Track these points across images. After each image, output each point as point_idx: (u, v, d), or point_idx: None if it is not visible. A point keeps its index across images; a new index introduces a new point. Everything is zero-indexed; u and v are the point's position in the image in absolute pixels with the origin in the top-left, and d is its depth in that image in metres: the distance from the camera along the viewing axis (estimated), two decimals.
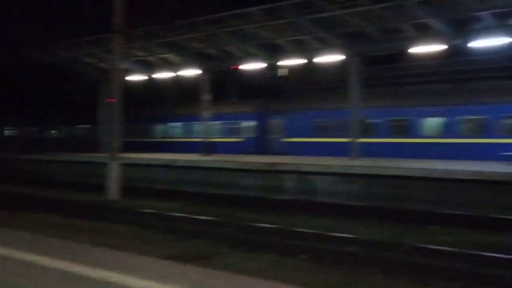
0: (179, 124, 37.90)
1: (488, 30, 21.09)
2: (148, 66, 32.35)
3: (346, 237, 11.07)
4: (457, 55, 27.37)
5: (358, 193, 18.14)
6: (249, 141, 33.21)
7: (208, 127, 30.08)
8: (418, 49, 23.36)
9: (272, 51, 26.99)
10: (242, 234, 11.68)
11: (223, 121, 34.25)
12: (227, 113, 33.67)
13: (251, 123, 33.72)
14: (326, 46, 25.20)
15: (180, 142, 36.49)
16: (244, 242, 10.78)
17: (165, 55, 30.80)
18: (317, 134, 30.46)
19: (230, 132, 33.97)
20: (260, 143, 32.78)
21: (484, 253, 9.55)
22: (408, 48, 23.57)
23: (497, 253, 9.50)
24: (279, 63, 28.41)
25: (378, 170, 18.11)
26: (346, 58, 24.97)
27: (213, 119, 31.20)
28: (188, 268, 5.88)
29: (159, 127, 39.55)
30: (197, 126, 33.45)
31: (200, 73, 29.97)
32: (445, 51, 23.98)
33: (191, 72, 30.58)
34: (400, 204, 16.10)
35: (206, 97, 29.74)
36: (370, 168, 18.45)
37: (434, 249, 9.99)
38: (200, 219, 13.64)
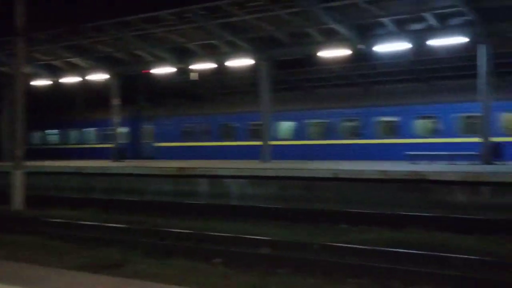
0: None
1: (390, 36, 22.02)
2: (54, 71, 31.22)
3: (259, 239, 11.17)
4: (362, 59, 28.40)
5: (270, 195, 18.34)
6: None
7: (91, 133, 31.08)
8: (326, 53, 24.00)
9: (182, 55, 26.83)
10: (154, 241, 11.50)
11: (99, 128, 35.76)
12: (104, 119, 34.19)
13: (125, 129, 34.32)
14: (237, 51, 25.37)
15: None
16: (157, 249, 10.61)
17: (71, 59, 29.84)
18: (184, 139, 32.71)
19: (105, 138, 34.37)
20: (133, 148, 33.71)
21: (393, 249, 9.92)
22: (316, 52, 24.16)
23: (405, 249, 9.91)
24: (191, 67, 28.30)
25: (289, 172, 18.41)
26: (256, 63, 25.28)
27: (91, 126, 34.55)
28: (97, 278, 5.69)
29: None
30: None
31: (109, 78, 29.31)
32: (351, 55, 24.79)
33: (99, 76, 29.83)
34: (311, 205, 16.44)
35: (115, 102, 29.10)
36: (281, 170, 18.72)
37: (344, 247, 10.28)
38: (111, 226, 13.30)
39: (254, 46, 24.61)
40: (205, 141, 31.83)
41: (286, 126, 29.80)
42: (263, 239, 11.16)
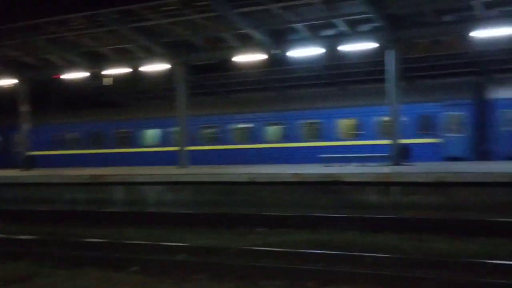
0: None
1: (303, 41, 22.47)
2: None
3: (176, 245, 11.04)
4: (278, 64, 28.84)
5: (187, 201, 18.21)
6: None
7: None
8: (242, 58, 24.15)
9: (95, 60, 26.15)
10: (66, 251, 11.09)
11: None
12: None
13: None
14: (152, 55, 25.04)
15: None
16: (69, 260, 10.23)
17: None
18: (54, 147, 33.70)
19: None
20: (4, 157, 33.83)
21: (308, 251, 10.09)
22: (232, 57, 24.26)
23: (321, 250, 10.10)
24: (104, 72, 27.64)
25: (207, 177, 18.34)
26: (172, 67, 25.07)
27: None
28: None
29: None
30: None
31: (17, 83, 28.12)
32: (266, 60, 25.10)
33: (6, 81, 28.56)
34: (229, 209, 16.44)
35: (24, 108, 27.96)
36: (198, 176, 18.63)
37: (261, 250, 10.34)
38: (19, 238, 12.71)
39: (169, 51, 24.37)
40: (75, 149, 32.97)
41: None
42: (180, 245, 11.04)
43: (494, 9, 19.66)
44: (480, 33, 20.20)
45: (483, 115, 24.82)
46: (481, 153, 24.53)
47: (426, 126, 25.30)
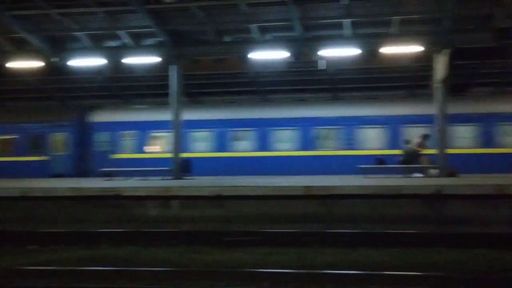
0: None
1: (85, 50, 21.79)
2: None
3: None
4: (57, 72, 27.61)
5: None
6: None
7: None
8: (17, 64, 22.63)
9: None
10: None
11: None
12: None
13: None
14: None
15: None
16: None
17: None
18: None
19: None
20: None
21: (81, 268, 9.72)
22: (5, 63, 22.61)
23: (96, 266, 9.78)
24: None
25: None
26: None
27: None
28: None
29: None
30: None
31: None
32: (45, 68, 23.85)
33: None
34: None
35: None
36: None
37: (30, 270, 9.69)
38: None
39: None
40: None
41: None
42: None
43: (268, 34, 21.14)
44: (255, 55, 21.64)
45: (84, 136, 27.63)
46: (82, 170, 27.02)
47: (36, 144, 27.33)
